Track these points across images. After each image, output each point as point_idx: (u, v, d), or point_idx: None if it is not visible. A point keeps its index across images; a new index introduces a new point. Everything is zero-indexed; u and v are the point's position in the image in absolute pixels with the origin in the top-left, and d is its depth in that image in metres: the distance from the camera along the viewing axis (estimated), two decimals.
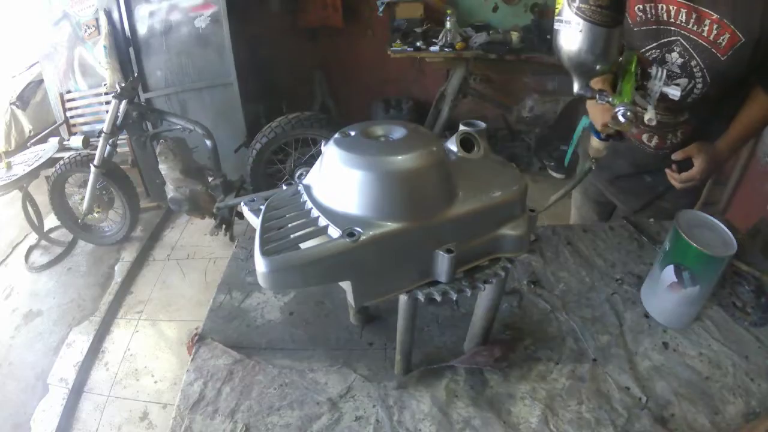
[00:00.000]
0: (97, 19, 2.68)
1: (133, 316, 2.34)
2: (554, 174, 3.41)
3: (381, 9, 3.30)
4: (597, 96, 0.77)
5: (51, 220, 2.80)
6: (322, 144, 0.60)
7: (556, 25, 0.70)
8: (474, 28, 3.31)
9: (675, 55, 1.00)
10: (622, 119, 0.74)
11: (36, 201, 2.65)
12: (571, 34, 0.68)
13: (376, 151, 0.55)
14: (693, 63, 0.98)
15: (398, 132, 0.59)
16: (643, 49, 1.04)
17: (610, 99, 0.76)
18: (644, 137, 1.19)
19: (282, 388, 0.74)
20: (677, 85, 0.90)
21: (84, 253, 2.78)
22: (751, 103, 1.06)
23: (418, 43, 3.16)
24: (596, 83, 0.82)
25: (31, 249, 2.79)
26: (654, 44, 1.02)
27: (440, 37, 3.15)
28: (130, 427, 1.83)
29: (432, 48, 3.13)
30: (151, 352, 2.13)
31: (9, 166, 2.50)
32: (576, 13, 0.65)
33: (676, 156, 1.09)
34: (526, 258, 0.99)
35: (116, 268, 2.64)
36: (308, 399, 0.72)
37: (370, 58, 3.59)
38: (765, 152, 2.57)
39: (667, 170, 1.12)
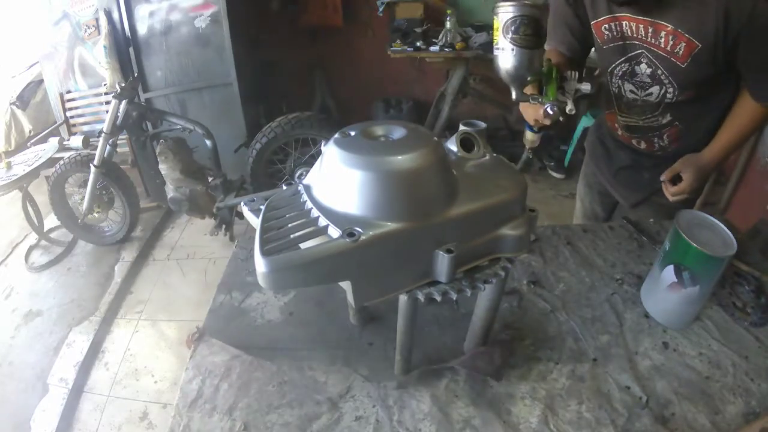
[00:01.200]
0: (97, 19, 2.68)
1: (133, 316, 2.34)
2: (554, 174, 3.41)
3: (381, 9, 3.30)
4: (530, 99, 0.97)
5: (51, 220, 2.80)
6: (322, 144, 0.60)
7: (495, 52, 0.91)
8: (474, 28, 3.31)
9: (643, 66, 1.06)
10: (550, 112, 0.96)
11: (36, 201, 2.65)
12: (507, 57, 0.89)
13: (376, 151, 0.55)
14: (659, 72, 1.04)
15: (398, 132, 0.59)
16: (614, 64, 1.11)
17: (540, 99, 0.96)
18: (633, 142, 1.24)
19: (281, 386, 0.74)
20: (650, 93, 1.08)
21: (84, 253, 2.78)
22: (738, 111, 1.06)
23: (418, 43, 3.16)
24: (527, 90, 0.98)
25: (31, 249, 2.79)
26: (622, 59, 1.08)
27: (440, 37, 3.15)
28: (130, 427, 1.82)
29: (432, 48, 3.13)
30: (151, 352, 2.13)
31: (9, 166, 2.50)
32: (510, 42, 0.88)
33: (665, 176, 1.13)
34: (526, 258, 0.99)
35: (116, 268, 2.64)
36: (308, 398, 0.72)
37: (370, 58, 3.59)
38: (765, 152, 2.57)
39: (663, 183, 1.15)
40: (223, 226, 2.41)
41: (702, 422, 0.69)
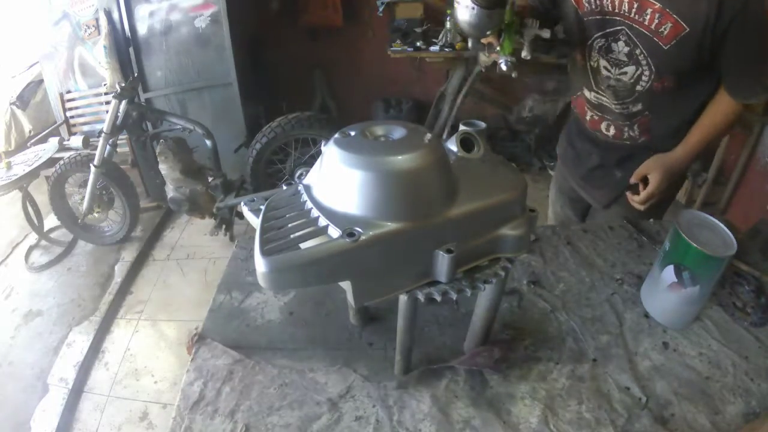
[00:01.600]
0: (97, 19, 2.68)
1: (133, 316, 2.34)
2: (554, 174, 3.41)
3: (381, 9, 3.30)
4: (486, 50, 1.01)
5: (51, 220, 2.80)
6: (322, 144, 0.60)
7: (455, 4, 0.90)
8: None
9: (621, 44, 1.01)
10: (504, 68, 0.98)
11: (36, 201, 2.65)
12: (465, 12, 0.88)
13: (376, 151, 0.55)
14: (637, 51, 0.99)
15: (398, 132, 0.59)
16: (591, 39, 1.06)
17: (497, 50, 0.99)
18: (602, 126, 1.19)
19: (282, 388, 0.74)
20: (624, 72, 1.05)
21: (84, 253, 2.78)
22: (714, 108, 1.04)
23: (418, 43, 3.16)
24: (485, 40, 1.00)
25: (31, 249, 2.79)
26: (600, 33, 1.04)
27: (440, 37, 3.15)
28: (130, 427, 1.82)
29: (432, 48, 3.13)
30: (151, 352, 2.13)
31: (9, 166, 2.50)
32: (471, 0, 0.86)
33: (633, 179, 1.11)
34: (526, 258, 0.99)
35: (116, 268, 2.64)
36: (308, 399, 0.72)
37: (370, 58, 3.59)
38: (765, 152, 2.57)
39: (627, 193, 1.14)
40: (223, 226, 2.41)
41: (702, 422, 0.69)
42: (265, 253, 0.50)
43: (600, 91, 1.14)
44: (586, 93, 1.18)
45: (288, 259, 0.50)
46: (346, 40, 3.52)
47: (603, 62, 1.07)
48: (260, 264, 0.50)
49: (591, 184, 1.31)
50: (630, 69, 1.03)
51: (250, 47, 3.13)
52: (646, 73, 1.02)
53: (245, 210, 0.64)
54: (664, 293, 0.82)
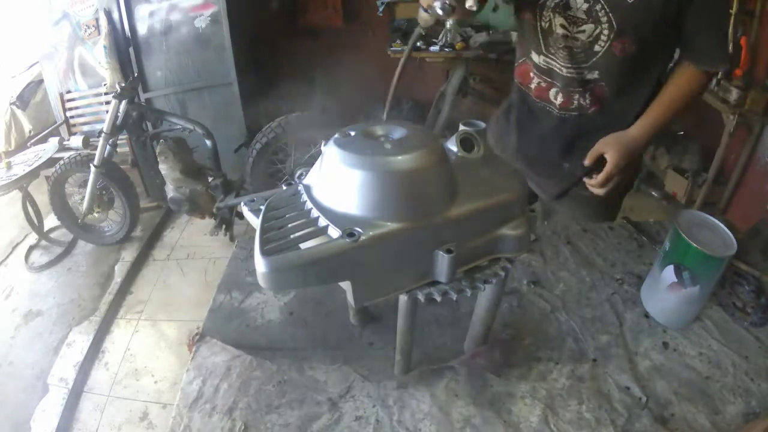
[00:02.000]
0: (97, 19, 2.68)
1: (133, 316, 2.34)
2: None
3: (381, 9, 3.30)
4: None
5: (51, 220, 2.80)
6: (322, 144, 0.60)
7: None
8: (474, 28, 3.31)
9: (580, 0, 0.95)
10: (439, 12, 0.91)
11: (36, 201, 2.65)
12: None
13: (376, 151, 0.55)
14: (598, 7, 0.94)
15: (398, 132, 0.59)
16: None
17: None
18: (550, 94, 1.11)
19: (281, 385, 0.74)
20: (582, 31, 0.98)
21: (84, 253, 2.78)
22: (675, 81, 1.01)
23: (418, 43, 3.16)
24: None
25: (31, 249, 2.79)
26: None
27: (440, 37, 3.15)
28: (130, 427, 1.83)
29: (432, 48, 3.13)
30: (151, 352, 2.13)
31: (9, 166, 2.50)
32: None
33: (587, 160, 1.03)
34: (526, 258, 0.99)
35: (116, 268, 2.64)
36: (308, 398, 0.72)
37: (370, 58, 3.58)
38: (765, 152, 2.57)
39: (585, 179, 1.06)
40: (223, 226, 2.41)
41: (702, 422, 0.69)
42: (265, 253, 0.50)
43: (550, 55, 1.05)
44: (534, 57, 1.09)
45: (288, 259, 0.50)
46: (346, 40, 3.52)
47: (559, 20, 0.99)
48: (260, 264, 0.50)
49: (538, 173, 1.21)
50: (588, 27, 0.97)
51: (250, 47, 3.12)
52: (606, 32, 0.96)
53: (245, 210, 0.64)
54: (664, 293, 0.82)
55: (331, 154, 0.56)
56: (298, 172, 2.44)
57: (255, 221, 0.60)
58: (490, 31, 3.24)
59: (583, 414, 0.70)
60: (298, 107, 2.74)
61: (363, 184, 0.53)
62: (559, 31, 1.00)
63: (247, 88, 2.87)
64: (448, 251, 0.55)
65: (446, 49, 3.10)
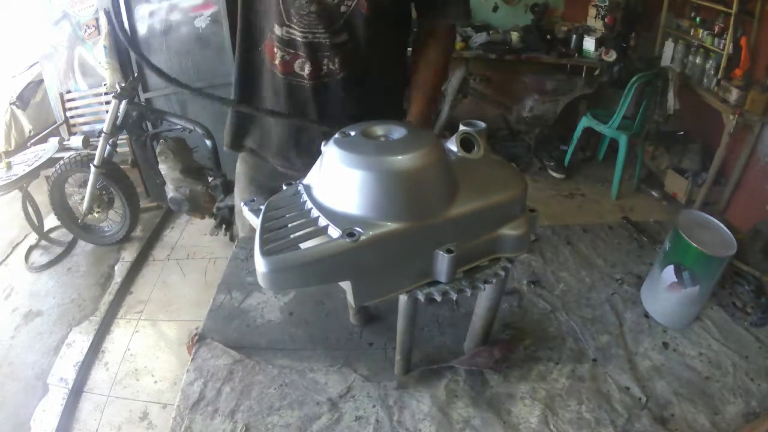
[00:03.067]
0: (97, 19, 2.68)
1: (133, 316, 2.34)
2: (554, 174, 3.41)
3: None
4: None
5: (51, 220, 2.80)
6: (322, 144, 0.60)
7: None
8: (474, 28, 3.31)
9: None
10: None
11: (36, 201, 2.65)
12: None
13: (376, 151, 0.55)
14: None
15: (398, 132, 0.59)
16: None
17: None
18: (296, 65, 1.04)
19: (282, 388, 0.74)
20: None
21: (84, 253, 2.78)
22: (422, 66, 1.02)
23: None
24: None
25: (31, 249, 2.79)
26: None
27: None
28: (130, 427, 1.83)
29: None
30: (151, 352, 2.13)
31: (9, 166, 2.50)
32: None
33: None
34: (526, 258, 0.99)
35: (116, 268, 2.64)
36: (308, 399, 0.72)
37: None
38: (765, 152, 2.58)
39: None
40: (223, 226, 2.41)
41: (702, 422, 0.69)
42: (265, 253, 0.50)
43: (292, 24, 0.99)
44: (277, 30, 1.02)
45: (288, 259, 0.50)
46: None
47: None
48: (260, 264, 0.50)
49: (307, 163, 1.16)
50: None
51: None
52: None
53: (245, 210, 0.64)
54: (664, 293, 0.82)
55: (331, 154, 0.56)
56: None
57: (255, 221, 0.60)
58: (490, 31, 3.25)
59: (583, 414, 0.70)
60: None
61: (363, 184, 0.53)
62: None
63: None
64: (448, 251, 0.55)
65: None
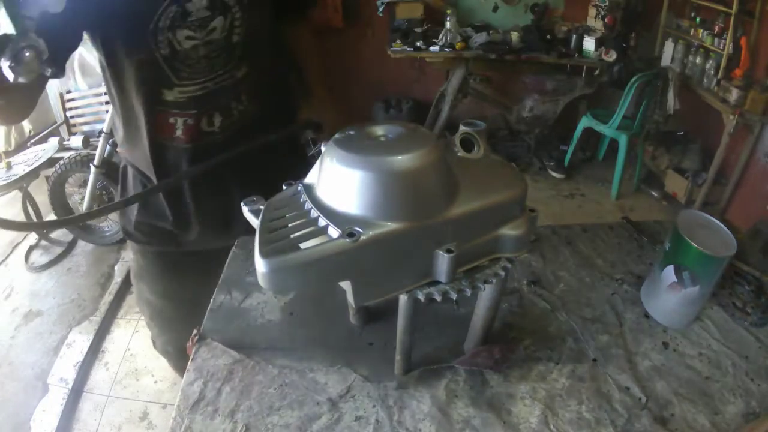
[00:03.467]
0: None
1: (133, 316, 2.34)
2: (554, 174, 3.42)
3: (381, 9, 3.30)
4: None
5: None
6: (322, 144, 0.60)
7: None
8: (474, 28, 3.32)
9: None
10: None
11: (36, 201, 2.65)
12: None
13: (376, 151, 0.55)
14: None
15: (398, 132, 0.59)
16: (157, 14, 0.79)
17: None
18: (203, 124, 0.92)
19: (282, 388, 0.74)
20: (213, 29, 0.84)
21: (84, 253, 2.78)
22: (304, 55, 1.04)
23: (418, 43, 3.16)
24: None
25: (31, 249, 2.79)
26: (167, 2, 0.80)
27: (440, 37, 3.16)
28: (130, 427, 1.83)
29: (432, 48, 3.14)
30: (151, 352, 2.11)
31: (9, 166, 2.50)
32: None
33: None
34: (526, 258, 0.99)
35: (116, 268, 2.64)
36: (308, 399, 0.72)
37: (370, 58, 3.59)
38: (765, 152, 2.58)
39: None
40: None
41: (702, 422, 0.69)
42: (265, 253, 0.50)
43: (184, 81, 0.88)
44: (168, 96, 0.89)
45: (288, 259, 0.50)
46: (346, 40, 3.52)
47: (185, 32, 0.83)
48: (260, 264, 0.50)
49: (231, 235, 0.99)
50: (218, 21, 0.84)
51: None
52: (238, 14, 0.85)
53: (245, 210, 0.64)
54: (664, 293, 0.82)
55: (331, 154, 0.56)
56: None
57: (255, 221, 0.60)
58: (490, 31, 3.25)
59: (583, 414, 0.70)
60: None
61: (363, 184, 0.53)
62: (186, 45, 0.84)
63: None
64: (448, 251, 0.56)
65: (446, 49, 3.11)
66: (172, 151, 0.94)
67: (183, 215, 1.02)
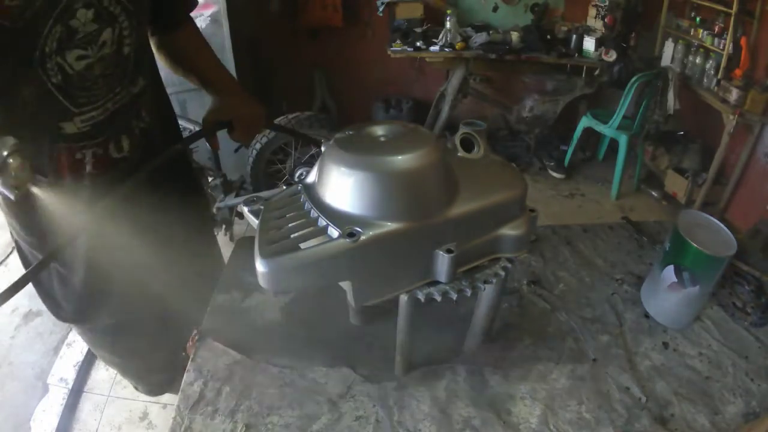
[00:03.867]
0: None
1: None
2: (554, 174, 3.41)
3: (381, 9, 3.30)
4: None
5: None
6: (323, 144, 0.60)
7: None
8: (474, 28, 3.31)
9: (82, 11, 0.72)
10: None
11: None
12: None
13: (376, 151, 0.55)
14: (106, 3, 0.75)
15: (398, 132, 0.59)
16: (42, 38, 0.69)
17: None
18: (111, 149, 0.85)
19: (282, 388, 0.74)
20: (104, 43, 0.77)
21: None
22: (192, 50, 1.06)
23: (418, 43, 3.16)
24: None
25: None
26: (51, 21, 0.69)
27: (440, 37, 3.15)
28: (130, 427, 1.83)
29: (432, 48, 3.13)
30: None
31: None
32: None
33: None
34: (526, 258, 0.99)
35: None
36: (308, 399, 0.72)
37: (370, 58, 3.59)
38: (765, 152, 2.58)
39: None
40: (223, 226, 2.41)
41: (702, 422, 0.69)
42: (265, 253, 0.50)
43: (84, 108, 0.80)
44: (69, 129, 0.80)
45: (288, 259, 0.50)
46: (346, 40, 3.52)
47: (75, 53, 0.75)
48: (260, 264, 0.50)
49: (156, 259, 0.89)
50: (107, 34, 0.77)
51: (250, 47, 3.12)
52: (125, 22, 0.79)
53: (245, 210, 0.64)
54: (664, 293, 0.82)
55: (331, 154, 0.56)
56: (298, 172, 2.44)
57: (255, 221, 0.60)
58: (490, 31, 3.24)
59: (583, 414, 0.70)
60: (297, 107, 2.74)
61: (363, 184, 0.53)
62: (79, 66, 0.76)
63: (247, 89, 2.87)
64: (448, 251, 0.56)
65: (446, 49, 3.10)
66: (86, 193, 0.85)
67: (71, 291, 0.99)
